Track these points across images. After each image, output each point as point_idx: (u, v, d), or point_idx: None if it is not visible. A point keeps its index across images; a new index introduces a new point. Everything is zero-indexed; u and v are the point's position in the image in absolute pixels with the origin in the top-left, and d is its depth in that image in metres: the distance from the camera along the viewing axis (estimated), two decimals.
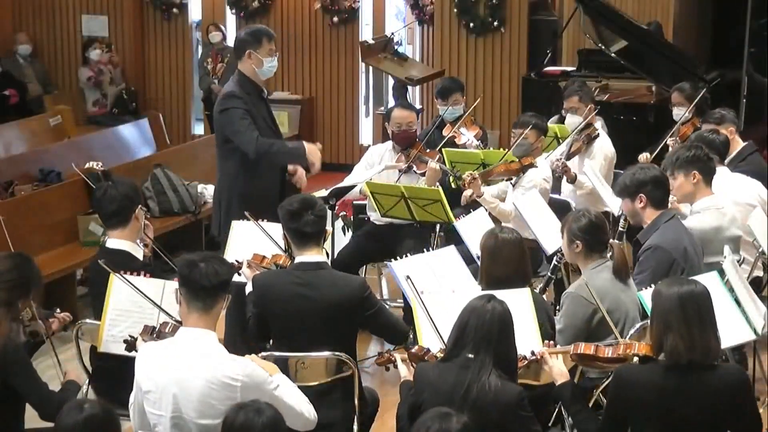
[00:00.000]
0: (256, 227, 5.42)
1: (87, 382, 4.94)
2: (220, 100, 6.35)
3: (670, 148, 7.35)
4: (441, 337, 4.48)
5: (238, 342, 5.66)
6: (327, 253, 5.17)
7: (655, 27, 10.43)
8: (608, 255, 5.03)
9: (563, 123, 7.85)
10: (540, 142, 7.04)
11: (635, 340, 4.66)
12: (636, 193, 5.40)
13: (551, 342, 4.47)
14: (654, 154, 7.46)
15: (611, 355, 4.23)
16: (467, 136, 7.45)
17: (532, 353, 4.37)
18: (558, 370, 4.31)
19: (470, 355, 4.01)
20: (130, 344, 4.45)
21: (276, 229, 5.30)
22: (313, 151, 6.28)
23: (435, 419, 3.48)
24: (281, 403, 3.96)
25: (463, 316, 4.08)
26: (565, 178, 7.17)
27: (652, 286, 4.77)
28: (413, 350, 4.49)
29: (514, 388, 4.02)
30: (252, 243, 5.40)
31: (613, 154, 7.52)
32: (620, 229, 5.78)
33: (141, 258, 5.07)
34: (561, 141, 7.57)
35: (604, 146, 7.48)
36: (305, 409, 4.12)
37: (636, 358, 4.13)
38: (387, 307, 5.25)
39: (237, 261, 5.22)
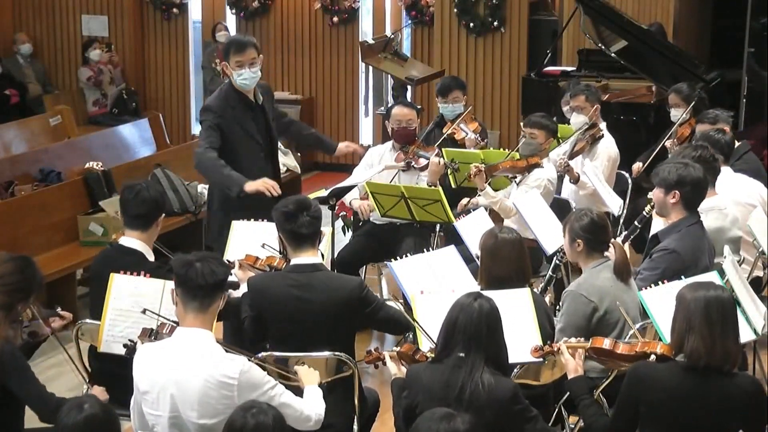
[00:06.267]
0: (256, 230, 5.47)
1: (87, 381, 4.94)
2: (199, 112, 6.37)
3: (669, 151, 7.34)
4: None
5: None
6: (322, 255, 5.16)
7: (657, 29, 10.42)
8: (609, 254, 5.04)
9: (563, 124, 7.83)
10: (548, 143, 7.03)
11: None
12: (672, 188, 5.37)
13: (581, 339, 4.46)
14: (647, 163, 7.45)
15: (628, 352, 4.24)
16: (465, 130, 7.45)
17: (549, 344, 4.37)
18: (572, 363, 4.31)
19: (461, 354, 4.01)
20: (130, 348, 4.43)
21: (274, 230, 5.29)
22: (258, 185, 5.95)
23: (440, 420, 3.47)
24: (279, 403, 3.97)
25: (451, 316, 4.08)
26: (567, 177, 7.16)
27: (652, 286, 4.79)
28: (402, 349, 4.50)
29: (507, 383, 4.02)
30: (252, 244, 5.40)
31: (617, 155, 7.50)
32: (644, 214, 5.75)
33: (152, 260, 5.09)
34: (561, 141, 7.56)
35: (609, 148, 7.46)
36: (306, 409, 4.13)
37: (653, 357, 4.14)
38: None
39: (228, 261, 5.22)
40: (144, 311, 4.45)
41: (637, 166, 7.73)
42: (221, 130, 6.15)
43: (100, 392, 4.59)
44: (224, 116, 6.17)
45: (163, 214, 5.22)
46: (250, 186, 5.95)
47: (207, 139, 6.13)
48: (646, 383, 3.99)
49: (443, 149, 7.13)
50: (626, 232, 5.92)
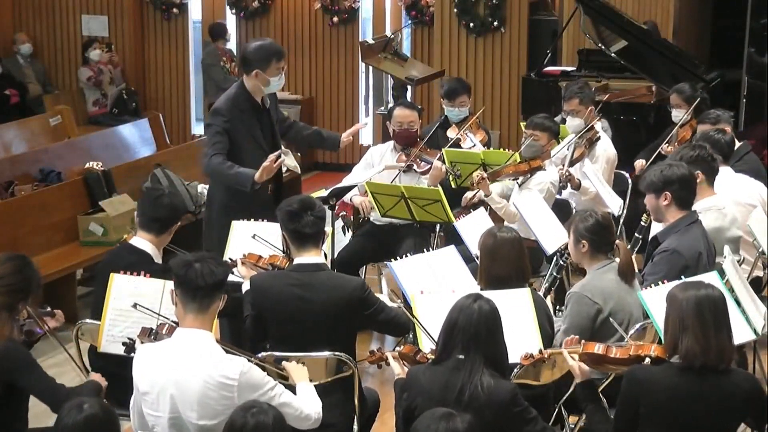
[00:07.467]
0: (255, 230, 5.45)
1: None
2: (208, 114, 6.38)
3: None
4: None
5: None
6: (325, 255, 5.16)
7: (650, 27, 10.42)
8: (614, 256, 5.04)
9: (564, 124, 7.82)
10: (551, 145, 7.01)
11: (634, 340, 4.65)
12: (662, 191, 5.37)
13: (575, 338, 4.46)
14: (650, 160, 7.45)
15: (622, 356, 4.23)
16: (473, 140, 7.42)
17: (540, 351, 4.36)
18: (578, 367, 4.30)
19: (461, 356, 4.00)
20: (129, 347, 4.46)
21: (274, 230, 5.30)
22: (264, 170, 5.97)
23: (440, 420, 3.47)
24: (279, 403, 3.97)
25: (451, 318, 4.07)
26: (569, 185, 7.15)
27: (652, 286, 4.78)
28: (403, 350, 4.49)
29: (506, 385, 4.02)
30: (252, 243, 5.39)
31: (615, 157, 7.50)
32: (642, 223, 5.75)
33: (159, 262, 5.10)
34: (561, 141, 7.54)
35: (607, 150, 7.45)
36: (306, 408, 4.13)
37: (648, 360, 4.13)
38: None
39: (230, 259, 5.22)
40: (135, 305, 4.45)
41: (640, 163, 7.71)
42: (228, 135, 6.18)
43: (99, 378, 4.61)
44: (232, 120, 6.20)
45: (179, 223, 5.21)
46: (259, 176, 5.97)
47: (214, 145, 6.17)
48: (644, 385, 3.99)
49: (444, 150, 7.12)
50: (629, 245, 5.91)
